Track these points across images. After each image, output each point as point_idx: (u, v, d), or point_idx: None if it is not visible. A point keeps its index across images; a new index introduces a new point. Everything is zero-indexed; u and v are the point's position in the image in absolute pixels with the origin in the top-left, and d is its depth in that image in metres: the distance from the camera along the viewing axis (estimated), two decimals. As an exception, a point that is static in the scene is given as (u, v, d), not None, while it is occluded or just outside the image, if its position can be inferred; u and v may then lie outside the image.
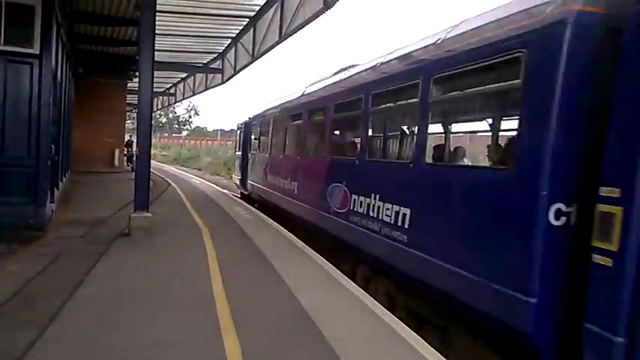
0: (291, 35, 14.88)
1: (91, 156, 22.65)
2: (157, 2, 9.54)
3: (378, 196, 7.24)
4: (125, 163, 25.57)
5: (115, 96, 23.82)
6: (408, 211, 6.39)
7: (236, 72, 21.99)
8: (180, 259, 7.77)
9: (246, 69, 20.79)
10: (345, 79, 9.51)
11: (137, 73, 9.60)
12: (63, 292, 5.80)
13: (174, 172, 28.51)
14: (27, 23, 8.93)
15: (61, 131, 13.71)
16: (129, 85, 25.00)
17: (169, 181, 21.33)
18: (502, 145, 6.27)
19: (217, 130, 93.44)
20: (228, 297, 5.89)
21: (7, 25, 8.71)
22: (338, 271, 7.63)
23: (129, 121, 37.20)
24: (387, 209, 6.93)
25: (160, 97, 41.40)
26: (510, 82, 4.96)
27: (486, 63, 5.24)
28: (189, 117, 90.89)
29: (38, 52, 9.08)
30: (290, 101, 13.38)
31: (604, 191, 3.91)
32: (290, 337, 4.89)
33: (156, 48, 9.70)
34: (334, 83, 10.02)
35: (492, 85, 5.44)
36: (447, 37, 6.13)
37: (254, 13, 17.06)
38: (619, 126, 3.90)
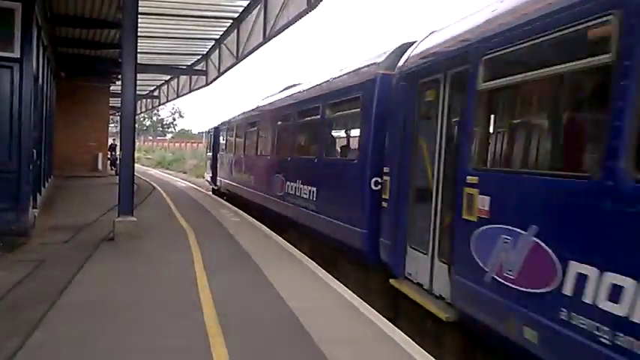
0: (275, 36, 14.86)
1: (74, 160, 22.41)
2: (139, 4, 9.48)
3: (300, 181, 10.54)
4: (109, 167, 25.33)
5: (97, 99, 23.59)
6: (315, 189, 9.73)
7: (220, 74, 21.91)
8: (165, 263, 7.71)
9: (231, 70, 20.73)
10: (283, 98, 13.12)
11: (120, 76, 9.51)
12: (47, 298, 5.72)
13: (159, 175, 28.34)
14: (7, 27, 8.82)
15: (43, 136, 13.55)
16: (112, 88, 24.78)
17: (154, 184, 21.17)
18: (351, 146, 10.01)
19: (202, 132, 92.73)
20: (215, 301, 5.84)
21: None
22: (325, 272, 7.63)
23: (112, 125, 36.86)
24: (305, 189, 10.18)
25: (144, 100, 41.11)
26: (354, 110, 8.48)
27: (341, 99, 9.09)
28: (174, 119, 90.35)
29: (19, 56, 8.96)
30: (248, 112, 16.80)
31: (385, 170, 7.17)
32: (278, 340, 4.87)
33: (139, 50, 9.64)
34: (276, 100, 13.76)
35: (347, 111, 9.26)
36: (331, 79, 9.70)
37: (237, 15, 17.00)
38: (390, 138, 7.13)
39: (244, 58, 18.29)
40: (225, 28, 18.70)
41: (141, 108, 45.34)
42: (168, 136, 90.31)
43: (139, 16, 9.57)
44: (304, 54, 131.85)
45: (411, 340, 5.04)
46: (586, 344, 3.38)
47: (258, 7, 15.56)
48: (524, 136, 5.04)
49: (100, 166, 23.91)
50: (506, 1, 4.93)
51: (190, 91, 28.68)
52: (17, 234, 8.75)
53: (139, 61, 9.62)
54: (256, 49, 16.76)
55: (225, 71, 21.29)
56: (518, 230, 4.17)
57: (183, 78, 29.19)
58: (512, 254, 4.24)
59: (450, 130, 5.93)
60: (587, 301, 3.42)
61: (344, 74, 9.13)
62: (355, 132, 9.43)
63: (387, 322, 5.55)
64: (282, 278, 6.98)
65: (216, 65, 22.07)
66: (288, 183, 11.29)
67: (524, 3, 4.57)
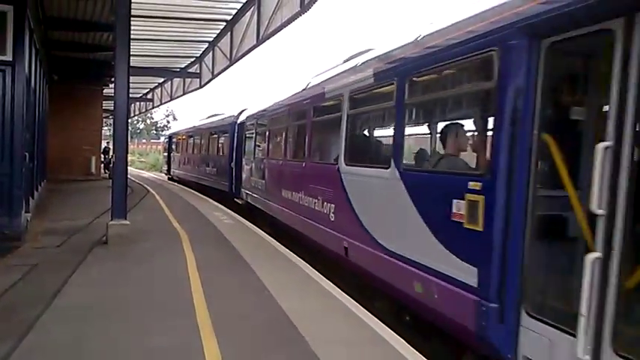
0: (268, 38, 14.87)
1: (68, 164, 22.30)
2: (132, 7, 9.46)
3: (194, 164, 24.09)
4: (102, 171, 25.23)
5: (91, 102, 23.50)
6: (197, 167, 22.46)
7: (214, 76, 21.90)
8: (159, 267, 7.69)
9: (225, 72, 20.72)
10: (195, 126, 25.31)
11: (113, 79, 9.49)
12: (40, 302, 5.70)
13: (153, 178, 28.28)
14: (-2, 29, 8.79)
15: (36, 139, 13.50)
16: (105, 91, 24.69)
17: (148, 187, 21.10)
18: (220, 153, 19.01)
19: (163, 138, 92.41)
20: (208, 303, 5.84)
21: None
22: (317, 273, 7.63)
23: (106, 128, 36.67)
24: (193, 168, 23.44)
25: (137, 103, 40.97)
26: (226, 135, 18.68)
27: (220, 131, 20.08)
28: (168, 122, 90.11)
29: (11, 59, 8.94)
30: (179, 131, 30.30)
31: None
32: (270, 340, 4.87)
33: (132, 53, 9.62)
34: (190, 127, 26.87)
35: (223, 135, 19.45)
36: (215, 121, 21.49)
37: (231, 17, 17.00)
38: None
39: (238, 60, 18.29)
40: (218, 31, 18.70)
41: (134, 111, 45.17)
42: (162, 139, 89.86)
43: (132, 18, 9.56)
44: (298, 55, 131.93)
45: (404, 342, 5.05)
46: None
47: (252, 9, 15.57)
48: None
49: (93, 170, 23.82)
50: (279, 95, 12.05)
51: (184, 94, 28.64)
52: (10, 238, 8.71)
53: (132, 64, 9.60)
54: (250, 51, 16.77)
55: (219, 74, 21.28)
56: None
57: (176, 80, 29.14)
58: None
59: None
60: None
61: (217, 119, 21.47)
62: (225, 150, 18.76)
63: (381, 323, 5.56)
64: (274, 279, 6.97)
65: (210, 68, 22.06)
66: (197, 167, 23.72)
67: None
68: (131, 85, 10.71)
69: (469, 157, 5.41)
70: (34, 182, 13.04)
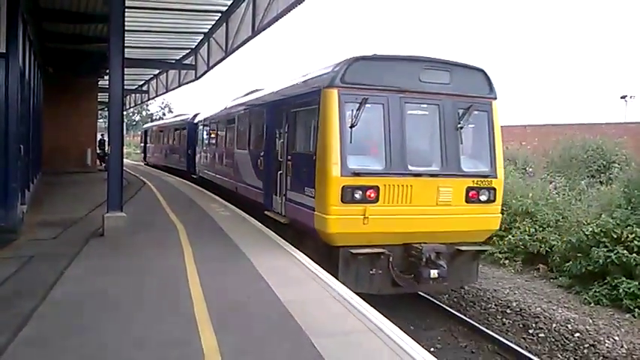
0: (264, 30, 14.80)
1: (63, 156, 22.19)
2: (126, -2, 9.39)
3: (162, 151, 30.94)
4: (98, 163, 25.16)
5: (86, 94, 23.35)
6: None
7: (209, 68, 21.79)
8: (155, 258, 7.69)
9: (221, 64, 20.62)
10: (162, 123, 35.71)
11: (108, 71, 9.43)
12: (37, 294, 5.71)
13: (149, 170, 28.23)
14: (-9, 21, 8.72)
15: (31, 131, 13.44)
16: (100, 83, 24.56)
17: (144, 179, 21.02)
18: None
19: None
20: (205, 295, 5.85)
21: (-30, 23, 8.49)
22: (314, 263, 7.65)
23: (101, 120, 36.52)
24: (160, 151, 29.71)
25: (133, 95, 40.80)
26: (184, 131, 24.61)
27: (178, 128, 26.59)
28: (164, 114, 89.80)
29: (4, 51, 8.87)
30: (151, 125, 38.63)
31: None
32: (268, 331, 4.89)
33: (127, 45, 9.55)
34: (159, 124, 36.09)
35: (180, 131, 25.91)
36: (175, 118, 31.46)
37: (226, 8, 16.89)
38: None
39: (233, 52, 18.20)
40: (213, 22, 18.59)
41: (130, 103, 44.99)
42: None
43: (127, 9, 9.49)
44: (295, 47, 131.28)
45: (402, 332, 5.08)
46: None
47: (247, 0, 15.48)
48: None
49: (89, 162, 23.73)
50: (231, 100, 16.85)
51: (179, 86, 28.51)
52: (5, 230, 8.69)
53: (127, 56, 9.54)
54: (245, 42, 16.68)
55: (214, 65, 21.18)
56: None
57: (172, 72, 28.99)
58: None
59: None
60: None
61: (179, 119, 27.46)
62: (184, 141, 24.22)
63: (379, 314, 5.59)
64: (272, 270, 6.99)
65: (205, 59, 21.95)
66: (164, 153, 29.78)
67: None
68: (126, 76, 10.65)
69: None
70: (29, 175, 12.99)
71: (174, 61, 25.22)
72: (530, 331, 8.68)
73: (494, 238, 12.37)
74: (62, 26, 16.86)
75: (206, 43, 21.26)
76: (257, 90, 14.22)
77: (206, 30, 19.85)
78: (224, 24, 18.12)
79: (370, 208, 8.00)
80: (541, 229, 12.12)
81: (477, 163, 8.94)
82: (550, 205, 12.75)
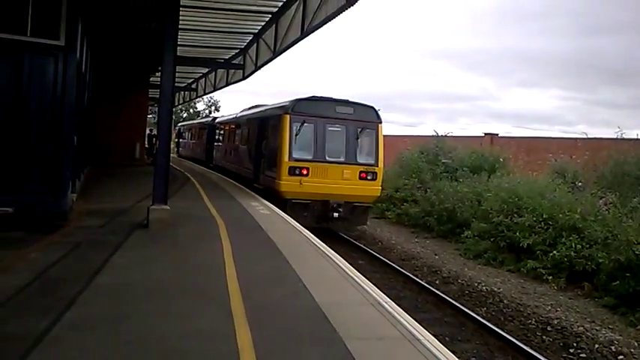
0: (313, 32, 14.85)
1: (113, 149, 22.86)
2: (180, -3, 9.60)
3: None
4: (146, 157, 25.82)
5: (136, 90, 24.04)
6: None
7: (257, 68, 22.02)
8: (196, 252, 7.84)
9: (269, 64, 20.82)
10: (194, 122, 43.06)
11: (159, 68, 9.66)
12: (81, 280, 5.90)
13: (195, 167, 28.80)
14: (53, 15, 9.04)
15: (84, 123, 13.90)
16: (151, 79, 25.20)
17: (188, 175, 21.48)
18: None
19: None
20: (242, 290, 5.92)
21: (33, 16, 8.84)
22: (351, 267, 7.63)
23: (150, 116, 37.55)
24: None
25: (182, 92, 41.68)
26: (204, 130, 32.71)
27: (200, 127, 35.13)
28: (210, 112, 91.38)
29: (63, 44, 9.18)
30: (188, 123, 45.82)
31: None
32: (301, 330, 4.90)
33: (179, 43, 9.76)
34: (193, 122, 44.23)
35: (202, 131, 34.20)
36: (200, 120, 41.66)
37: (276, 9, 17.06)
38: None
39: (281, 52, 18.33)
40: (264, 23, 18.78)
41: (179, 100, 45.95)
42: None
43: (180, 8, 9.70)
44: (342, 51, 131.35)
45: (436, 341, 5.00)
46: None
47: (297, 1, 15.59)
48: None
49: (137, 156, 24.41)
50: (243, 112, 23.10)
51: (227, 85, 28.93)
52: (55, 217, 9.02)
53: (178, 54, 9.75)
54: (294, 44, 16.78)
55: (262, 65, 21.38)
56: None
57: (220, 71, 29.45)
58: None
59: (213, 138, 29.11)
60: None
61: (202, 121, 37.87)
62: (204, 138, 31.14)
63: (414, 321, 5.52)
64: (309, 271, 7.01)
65: (254, 59, 22.21)
66: (191, 148, 38.08)
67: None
68: (177, 74, 10.88)
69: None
70: (80, 165, 13.43)
71: (223, 61, 25.63)
72: (571, 351, 8.38)
73: (538, 252, 12.36)
74: (117, 20, 17.35)
75: (255, 44, 21.50)
76: (257, 106, 21.05)
77: (256, 30, 20.09)
78: (274, 25, 18.29)
79: (304, 179, 14.44)
80: (588, 246, 11.69)
81: (367, 158, 15.21)
82: (599, 221, 12.28)
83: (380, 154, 15.29)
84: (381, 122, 15.69)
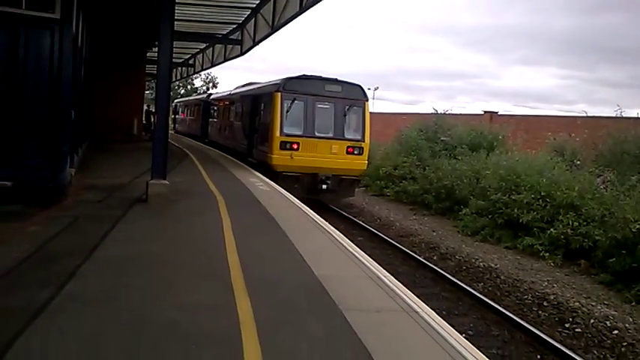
0: (311, 6, 14.66)
1: (110, 125, 22.71)
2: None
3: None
4: (143, 133, 25.71)
5: (133, 65, 23.82)
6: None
7: (255, 43, 21.77)
8: (195, 225, 7.87)
9: (266, 40, 20.60)
10: (187, 99, 45.57)
11: (156, 43, 9.55)
12: (81, 253, 5.91)
13: (192, 143, 28.74)
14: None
15: (81, 98, 13.78)
16: (148, 54, 24.95)
17: (187, 151, 21.43)
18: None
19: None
20: (241, 263, 5.95)
21: (28, -12, 8.69)
22: (349, 240, 7.66)
23: (148, 92, 37.31)
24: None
25: (179, 68, 41.29)
26: (198, 106, 34.62)
27: (193, 103, 38.00)
28: (207, 89, 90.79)
29: (59, 17, 9.05)
30: (182, 100, 47.15)
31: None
32: (299, 301, 4.93)
33: (176, 17, 9.63)
34: (188, 99, 45.60)
35: (193, 107, 37.14)
36: (195, 96, 45.05)
37: (275, -17, 16.84)
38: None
39: (280, 28, 18.11)
40: (262, -3, 18.55)
41: (176, 76, 45.54)
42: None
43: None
44: (340, 28, 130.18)
45: (434, 313, 5.05)
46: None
47: (296, -24, 15.37)
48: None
49: (135, 131, 24.30)
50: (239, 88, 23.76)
51: (225, 60, 28.63)
52: (54, 191, 8.99)
53: (175, 29, 9.63)
54: (292, 19, 16.56)
55: (260, 41, 21.13)
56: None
57: (218, 47, 29.12)
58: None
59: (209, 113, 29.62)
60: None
61: (198, 98, 36.28)
62: (199, 115, 32.32)
63: (412, 294, 5.57)
64: (308, 246, 7.05)
65: (251, 35, 21.97)
66: (186, 124, 39.72)
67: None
68: (174, 49, 10.77)
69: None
70: (78, 140, 13.36)
71: (220, 36, 25.34)
72: (567, 325, 8.48)
73: (535, 229, 12.42)
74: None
75: (253, 19, 21.24)
76: (250, 83, 22.05)
77: (254, 5, 19.80)
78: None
79: (294, 153, 15.31)
80: (585, 223, 11.75)
81: (354, 133, 16.08)
82: (596, 199, 12.32)
83: (366, 130, 16.17)
84: (367, 100, 16.61)
